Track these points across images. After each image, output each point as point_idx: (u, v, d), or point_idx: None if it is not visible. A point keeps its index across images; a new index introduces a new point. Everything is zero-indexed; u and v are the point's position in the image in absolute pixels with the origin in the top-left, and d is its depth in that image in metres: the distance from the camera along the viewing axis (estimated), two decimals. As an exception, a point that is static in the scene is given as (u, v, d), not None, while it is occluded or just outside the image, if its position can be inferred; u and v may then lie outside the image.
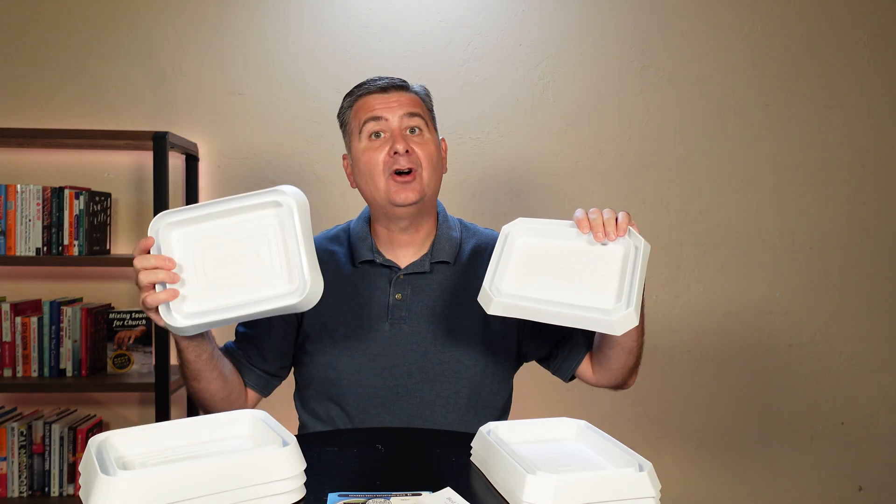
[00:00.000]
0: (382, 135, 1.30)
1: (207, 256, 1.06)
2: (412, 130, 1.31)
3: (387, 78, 1.35)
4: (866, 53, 2.54)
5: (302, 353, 1.36)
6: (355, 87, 1.36)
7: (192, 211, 1.06)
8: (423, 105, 1.35)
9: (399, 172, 1.27)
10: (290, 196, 1.05)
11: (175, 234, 1.07)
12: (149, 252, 1.06)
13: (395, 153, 1.27)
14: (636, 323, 1.01)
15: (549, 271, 1.10)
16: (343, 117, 1.37)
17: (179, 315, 1.05)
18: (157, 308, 1.06)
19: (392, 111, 1.30)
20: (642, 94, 2.50)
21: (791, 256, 2.55)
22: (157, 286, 1.05)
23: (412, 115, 1.31)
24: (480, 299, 1.09)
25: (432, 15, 2.45)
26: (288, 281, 1.04)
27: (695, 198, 2.52)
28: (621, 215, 1.11)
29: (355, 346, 1.31)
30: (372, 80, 1.35)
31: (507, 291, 1.08)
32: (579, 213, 1.13)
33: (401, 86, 1.34)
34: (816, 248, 2.55)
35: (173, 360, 2.13)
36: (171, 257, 1.06)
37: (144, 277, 1.05)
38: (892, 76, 2.54)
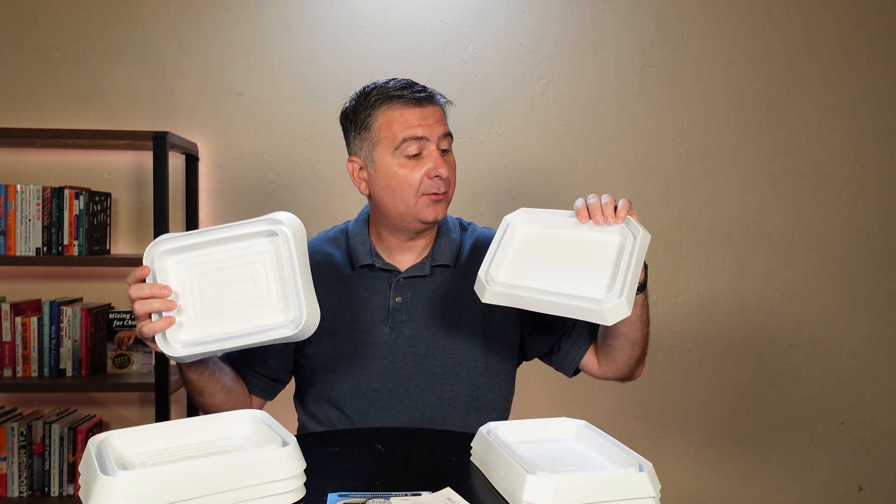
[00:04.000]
0: (418, 155, 1.26)
1: (203, 284, 1.06)
2: (445, 150, 1.30)
3: (420, 88, 1.29)
4: (866, 53, 2.54)
5: (302, 356, 1.35)
6: (384, 92, 1.28)
7: (187, 238, 1.06)
8: (446, 117, 1.32)
9: (434, 193, 1.27)
10: (285, 224, 1.04)
11: (170, 261, 1.06)
12: (144, 281, 1.06)
13: (437, 177, 1.25)
14: (628, 313, 1.00)
15: (546, 261, 1.10)
16: (365, 120, 1.29)
17: (177, 344, 1.05)
18: (153, 337, 1.05)
19: (432, 130, 1.26)
20: (642, 94, 2.50)
21: (791, 256, 2.55)
22: (152, 315, 1.05)
23: (446, 135, 1.29)
24: (476, 288, 1.09)
25: (432, 15, 2.45)
26: (284, 311, 1.04)
27: (695, 198, 2.52)
28: (621, 202, 1.10)
29: (355, 349, 1.31)
30: (405, 86, 1.28)
31: (501, 280, 1.08)
32: (579, 202, 1.12)
33: (433, 98, 1.30)
34: (816, 249, 2.55)
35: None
36: (166, 285, 1.05)
37: (140, 307, 1.04)
38: (892, 76, 2.54)
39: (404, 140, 1.25)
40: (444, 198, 1.29)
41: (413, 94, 1.27)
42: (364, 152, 1.30)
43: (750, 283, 2.54)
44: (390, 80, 1.30)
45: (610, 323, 1.00)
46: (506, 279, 1.09)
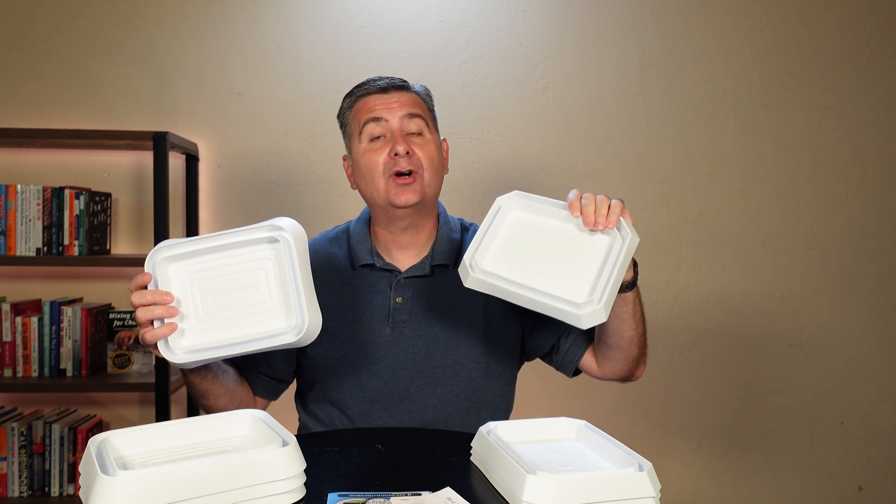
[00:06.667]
0: (382, 137, 1.29)
1: (205, 290, 1.06)
2: (413, 132, 1.30)
3: (387, 78, 1.34)
4: (866, 53, 2.54)
5: (304, 357, 1.35)
6: (355, 88, 1.35)
7: (188, 245, 1.06)
8: (424, 105, 1.34)
9: (399, 174, 1.27)
10: (286, 231, 1.04)
11: (172, 267, 1.06)
12: (146, 287, 1.06)
13: (396, 155, 1.26)
14: (604, 319, 1.00)
15: (532, 252, 1.09)
16: (343, 118, 1.36)
17: (179, 350, 1.05)
18: (156, 343, 1.05)
19: (392, 112, 1.29)
20: (642, 94, 2.50)
21: (791, 256, 2.55)
22: (155, 322, 1.05)
23: (413, 115, 1.30)
24: (459, 271, 1.08)
25: (432, 15, 2.45)
26: (286, 317, 1.04)
27: (695, 198, 2.52)
28: (614, 203, 1.08)
29: (357, 350, 1.31)
30: (372, 80, 1.34)
31: (485, 268, 1.07)
32: (573, 194, 1.10)
33: (401, 86, 1.33)
34: (816, 248, 2.55)
35: (173, 360, 2.14)
36: (168, 291, 1.05)
37: (142, 314, 1.04)
38: (892, 76, 2.54)
39: (365, 123, 1.30)
40: (414, 180, 1.27)
41: (375, 83, 1.33)
42: (347, 148, 1.36)
43: (750, 283, 2.54)
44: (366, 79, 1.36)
45: (585, 327, 1.01)
46: (490, 267, 1.07)
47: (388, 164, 1.27)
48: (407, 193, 1.27)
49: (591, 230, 1.08)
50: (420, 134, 1.31)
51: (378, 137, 1.29)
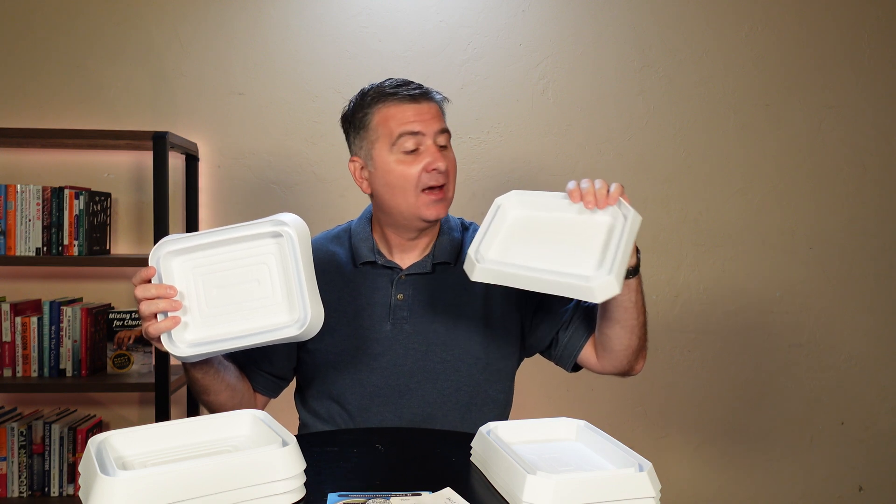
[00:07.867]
0: (416, 150, 1.28)
1: (209, 284, 1.07)
2: (442, 146, 1.31)
3: (415, 85, 1.31)
4: (866, 53, 2.54)
5: (304, 353, 1.36)
6: (380, 91, 1.31)
7: (192, 239, 1.06)
8: (444, 115, 1.34)
9: (432, 187, 1.27)
10: (290, 226, 1.05)
11: (176, 262, 1.07)
12: (150, 281, 1.06)
13: (434, 170, 1.26)
14: (618, 291, 0.98)
15: (536, 241, 1.09)
16: (363, 119, 1.31)
17: (182, 344, 1.05)
18: (159, 337, 1.06)
19: (428, 125, 1.28)
20: (642, 94, 2.50)
21: (791, 256, 2.55)
22: (158, 315, 1.05)
23: (443, 130, 1.31)
24: (465, 266, 1.08)
25: (432, 15, 2.45)
26: (288, 311, 1.05)
27: (695, 198, 2.52)
28: (613, 186, 1.09)
29: (357, 345, 1.31)
30: (400, 84, 1.31)
31: (491, 258, 1.07)
32: (571, 184, 1.11)
33: (429, 95, 1.32)
34: (816, 248, 2.55)
35: (173, 359, 2.14)
36: (172, 286, 1.05)
37: (146, 308, 1.05)
38: (892, 76, 2.54)
39: (400, 136, 1.27)
40: (444, 196, 1.29)
41: (408, 90, 1.29)
42: (364, 151, 1.32)
43: (750, 283, 2.54)
44: (386, 80, 1.33)
45: (599, 300, 0.98)
46: (496, 258, 1.07)
47: (421, 177, 1.27)
48: (438, 209, 1.28)
49: (593, 210, 1.08)
50: (446, 147, 1.32)
51: (414, 151, 1.28)
